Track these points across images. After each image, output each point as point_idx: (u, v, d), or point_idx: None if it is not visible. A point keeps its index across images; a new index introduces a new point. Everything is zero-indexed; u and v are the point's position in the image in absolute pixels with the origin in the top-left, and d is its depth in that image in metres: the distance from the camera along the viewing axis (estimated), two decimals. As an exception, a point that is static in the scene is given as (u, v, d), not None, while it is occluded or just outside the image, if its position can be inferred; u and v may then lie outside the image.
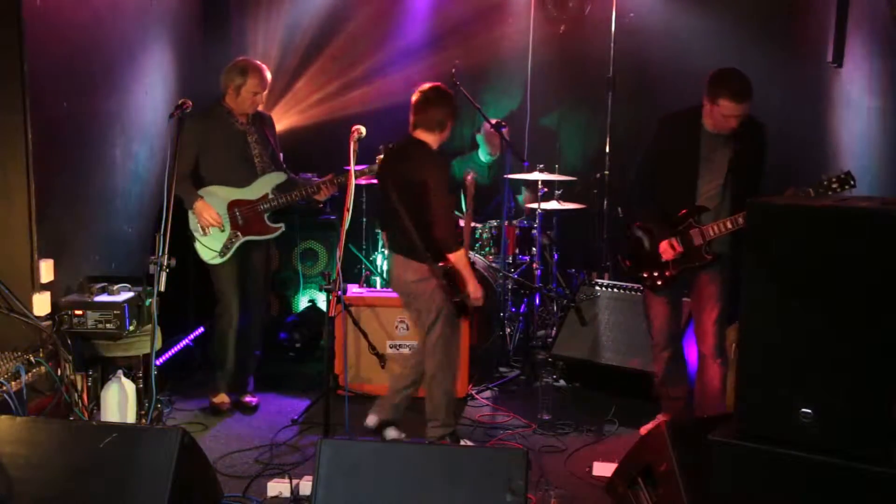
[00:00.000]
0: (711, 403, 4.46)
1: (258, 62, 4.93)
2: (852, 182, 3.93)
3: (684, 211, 4.30)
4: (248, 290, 5.09)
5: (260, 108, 5.03)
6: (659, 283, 4.42)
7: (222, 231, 4.86)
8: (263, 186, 4.93)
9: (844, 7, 5.09)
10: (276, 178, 4.98)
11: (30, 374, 3.87)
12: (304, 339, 5.95)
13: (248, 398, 5.12)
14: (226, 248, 4.87)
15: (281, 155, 5.24)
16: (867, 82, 4.86)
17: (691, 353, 4.85)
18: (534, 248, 6.00)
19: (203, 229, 4.84)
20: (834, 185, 3.94)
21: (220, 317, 5.04)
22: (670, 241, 4.30)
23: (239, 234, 4.89)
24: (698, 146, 4.29)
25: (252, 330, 5.15)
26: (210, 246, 4.86)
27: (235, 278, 4.97)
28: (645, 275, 4.47)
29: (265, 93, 4.96)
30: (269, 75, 4.95)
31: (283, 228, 5.01)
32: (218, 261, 4.88)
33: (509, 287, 6.08)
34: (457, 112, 4.41)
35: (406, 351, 5.13)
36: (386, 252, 4.67)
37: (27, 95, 4.07)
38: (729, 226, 4.18)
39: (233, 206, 4.88)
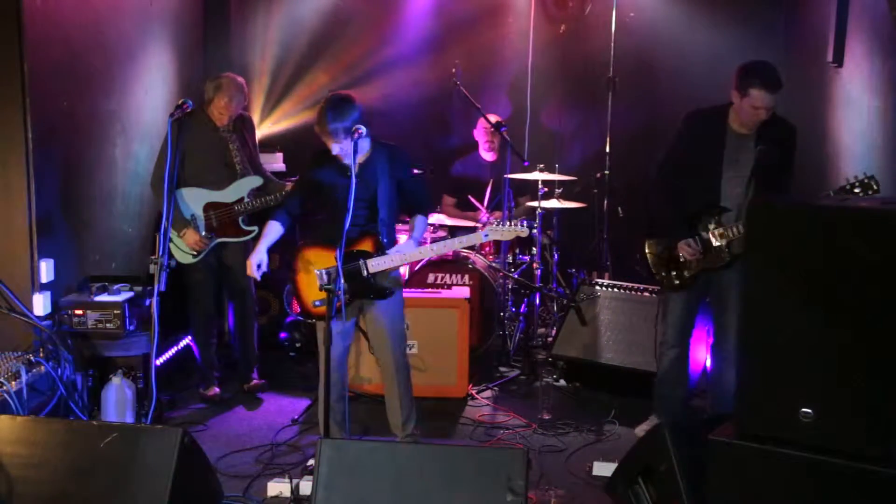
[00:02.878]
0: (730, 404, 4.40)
1: (238, 83, 4.96)
2: (875, 186, 3.77)
3: (705, 211, 4.26)
4: (231, 288, 5.21)
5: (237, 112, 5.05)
6: (677, 282, 4.38)
7: (198, 233, 4.94)
8: (240, 190, 5.00)
9: (844, 7, 5.09)
10: (253, 182, 5.05)
11: (30, 374, 3.87)
12: (304, 339, 5.95)
13: (255, 381, 5.27)
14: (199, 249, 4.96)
15: (284, 156, 5.26)
16: (867, 82, 4.86)
17: (695, 355, 4.84)
18: (534, 248, 6.00)
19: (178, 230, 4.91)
20: (856, 191, 3.81)
21: (193, 316, 5.16)
22: (688, 241, 4.27)
23: (213, 236, 4.97)
24: (723, 146, 4.21)
25: (244, 324, 5.24)
26: (183, 248, 4.94)
27: (207, 277, 5.08)
28: (663, 274, 4.43)
29: (237, 111, 5.00)
30: (244, 95, 5.01)
31: (256, 231, 5.07)
32: (191, 261, 4.96)
33: (509, 287, 6.08)
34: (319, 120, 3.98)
35: (407, 351, 5.13)
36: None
37: (27, 95, 4.08)
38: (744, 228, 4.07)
39: (208, 208, 4.96)
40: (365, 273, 4.04)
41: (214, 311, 5.24)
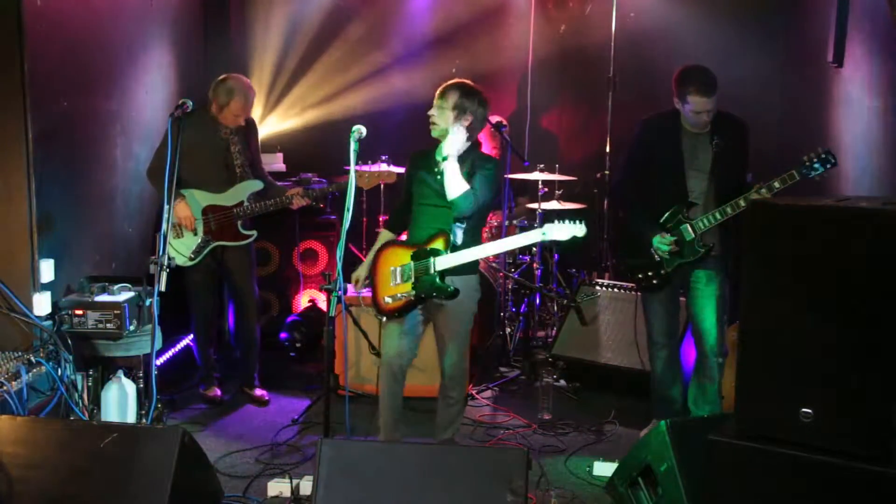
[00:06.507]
0: (709, 401, 4.48)
1: (246, 83, 4.98)
2: (833, 160, 4.01)
3: (672, 209, 4.34)
4: (234, 290, 5.20)
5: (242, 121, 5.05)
6: (654, 282, 4.44)
7: (195, 235, 4.92)
8: (239, 194, 4.99)
9: (844, 7, 5.09)
10: (253, 186, 5.03)
11: (30, 374, 3.87)
12: (305, 339, 5.94)
13: (258, 392, 5.22)
14: (196, 252, 4.94)
15: (284, 156, 5.25)
16: (867, 82, 4.86)
17: (687, 355, 4.85)
18: (534, 248, 6.00)
19: (176, 231, 4.90)
20: (816, 165, 4.01)
21: (193, 318, 5.15)
22: (661, 236, 4.33)
23: (210, 239, 4.95)
24: (681, 146, 4.35)
25: (246, 327, 5.22)
26: (180, 250, 4.93)
27: (207, 280, 5.08)
28: (640, 276, 4.49)
29: (249, 112, 5.03)
30: (254, 96, 5.03)
31: (256, 236, 5.09)
32: (188, 264, 4.94)
33: (509, 287, 6.08)
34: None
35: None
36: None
37: (27, 95, 4.07)
38: (718, 216, 4.23)
39: (207, 210, 4.95)
40: (432, 270, 4.00)
41: (215, 312, 5.24)
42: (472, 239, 4.08)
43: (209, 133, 4.93)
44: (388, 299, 4.10)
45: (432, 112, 4.07)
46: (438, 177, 4.06)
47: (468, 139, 4.09)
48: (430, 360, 4.98)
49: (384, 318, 4.17)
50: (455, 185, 3.96)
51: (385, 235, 4.35)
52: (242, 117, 4.97)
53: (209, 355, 5.22)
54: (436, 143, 4.14)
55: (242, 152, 5.02)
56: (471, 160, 4.07)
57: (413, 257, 4.06)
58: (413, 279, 4.04)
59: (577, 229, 3.91)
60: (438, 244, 4.02)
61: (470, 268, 4.09)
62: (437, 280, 3.99)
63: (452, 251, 3.99)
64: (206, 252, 4.96)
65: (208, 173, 4.94)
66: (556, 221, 3.94)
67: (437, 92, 4.09)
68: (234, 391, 5.27)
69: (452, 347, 4.18)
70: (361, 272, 4.30)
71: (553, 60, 6.92)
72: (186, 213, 4.87)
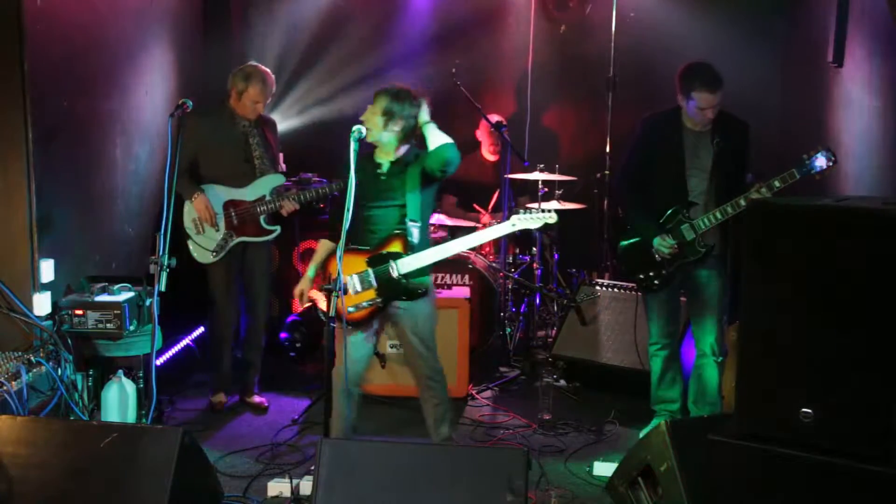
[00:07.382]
0: (709, 401, 4.48)
1: (264, 70, 4.93)
2: (833, 158, 4.02)
3: (673, 209, 4.34)
4: (248, 291, 5.11)
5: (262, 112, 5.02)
6: (656, 282, 4.44)
7: (216, 231, 4.87)
8: (262, 188, 4.93)
9: (844, 7, 5.09)
10: (275, 180, 4.98)
11: (30, 374, 3.87)
12: (305, 339, 5.94)
13: (256, 398, 5.14)
14: (219, 248, 4.88)
15: (281, 156, 5.24)
16: (867, 82, 4.87)
17: (687, 354, 4.85)
18: (534, 248, 6.00)
19: (197, 227, 4.85)
20: (815, 163, 4.02)
21: (213, 318, 5.08)
22: (662, 237, 4.34)
23: (233, 234, 4.89)
24: (682, 145, 4.36)
25: (254, 331, 5.17)
26: (204, 245, 4.87)
27: (230, 279, 5.00)
28: (641, 276, 4.49)
29: (267, 101, 4.98)
30: (272, 84, 4.96)
31: (279, 231, 5.02)
32: (211, 260, 4.89)
33: (509, 287, 6.08)
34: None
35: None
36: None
37: (27, 95, 4.07)
38: (718, 216, 4.24)
39: (229, 205, 4.89)
40: (395, 274, 3.97)
41: (236, 317, 5.12)
42: (423, 239, 4.05)
43: (228, 127, 4.89)
44: (352, 309, 3.99)
45: (363, 117, 3.99)
46: (383, 178, 4.03)
47: (405, 141, 4.04)
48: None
49: (349, 328, 4.02)
50: (439, 137, 4.01)
51: (326, 245, 4.21)
52: (262, 104, 4.90)
53: (226, 361, 5.11)
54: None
55: (261, 145, 4.96)
56: (413, 155, 4.05)
57: (370, 263, 4.00)
58: (375, 286, 3.99)
59: (548, 216, 3.96)
60: (396, 247, 3.99)
61: (425, 269, 4.05)
62: (403, 282, 3.97)
63: (410, 251, 3.97)
64: (228, 248, 4.89)
65: (228, 168, 4.89)
66: (524, 212, 3.97)
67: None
68: (235, 394, 5.25)
69: (422, 349, 4.11)
70: (304, 285, 4.19)
71: (553, 60, 6.92)
72: (205, 207, 4.80)
